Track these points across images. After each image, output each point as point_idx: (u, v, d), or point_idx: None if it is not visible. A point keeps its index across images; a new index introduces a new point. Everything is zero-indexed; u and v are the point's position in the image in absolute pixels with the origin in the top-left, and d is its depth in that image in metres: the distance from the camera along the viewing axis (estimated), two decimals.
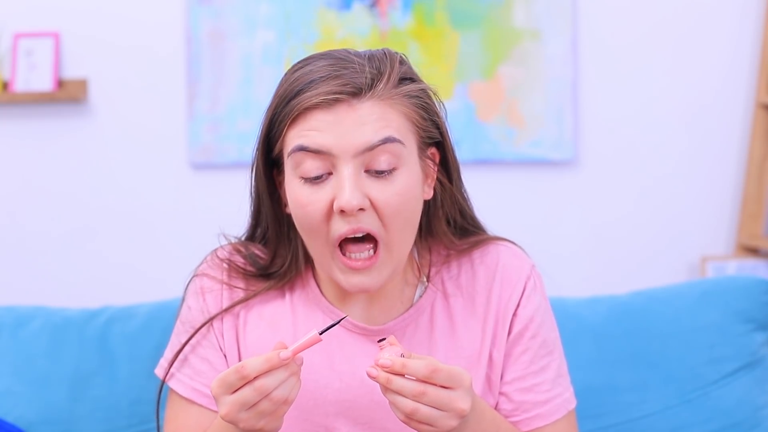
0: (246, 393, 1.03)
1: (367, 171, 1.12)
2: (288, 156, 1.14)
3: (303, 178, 1.13)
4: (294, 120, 1.12)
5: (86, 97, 2.79)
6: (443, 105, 1.22)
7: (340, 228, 1.12)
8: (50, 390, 1.65)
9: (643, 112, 2.78)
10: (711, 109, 2.78)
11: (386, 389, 1.05)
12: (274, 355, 1.03)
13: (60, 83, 2.77)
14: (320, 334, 1.06)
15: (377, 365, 1.05)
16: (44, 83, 2.75)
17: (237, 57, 2.77)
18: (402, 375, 1.04)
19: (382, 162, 1.12)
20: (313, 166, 1.12)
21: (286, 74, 1.17)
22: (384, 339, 1.08)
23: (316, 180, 1.13)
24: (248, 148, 2.71)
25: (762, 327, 1.75)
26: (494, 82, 2.76)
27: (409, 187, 1.14)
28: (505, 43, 2.75)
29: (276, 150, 1.17)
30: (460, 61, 2.75)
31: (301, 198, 1.13)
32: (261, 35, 2.77)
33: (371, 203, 1.12)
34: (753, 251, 2.74)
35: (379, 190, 1.12)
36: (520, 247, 1.32)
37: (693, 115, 2.78)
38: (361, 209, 1.11)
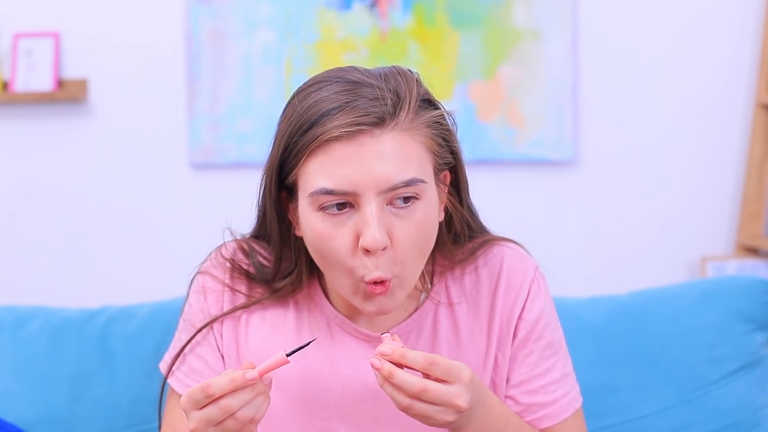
0: (212, 411, 1.03)
1: (389, 203, 1.10)
2: (309, 195, 1.10)
3: (325, 212, 1.10)
4: (313, 152, 1.09)
5: (86, 97, 2.79)
6: (456, 124, 1.19)
7: (367, 272, 1.10)
8: (50, 390, 1.65)
9: (643, 112, 2.78)
10: (711, 109, 2.78)
11: (385, 381, 1.05)
12: (240, 376, 1.03)
13: (60, 83, 2.77)
14: (288, 355, 1.05)
15: (378, 354, 1.05)
16: (44, 83, 2.75)
17: (237, 57, 2.78)
18: (400, 365, 1.04)
19: (404, 198, 1.10)
20: (336, 202, 1.10)
21: (296, 98, 1.13)
22: (386, 333, 1.08)
23: (338, 212, 1.10)
24: (248, 148, 2.75)
25: (762, 327, 1.75)
26: (494, 82, 2.76)
27: (428, 217, 1.12)
28: (505, 43, 2.75)
29: (290, 178, 1.14)
30: (460, 61, 2.76)
31: (323, 232, 1.11)
32: (261, 35, 2.78)
33: (391, 239, 1.10)
34: (753, 251, 2.74)
35: (401, 225, 1.10)
36: (523, 247, 1.31)
37: (693, 115, 2.78)
38: (384, 248, 1.09)
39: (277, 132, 1.15)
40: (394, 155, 1.08)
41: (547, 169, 2.79)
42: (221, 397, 1.03)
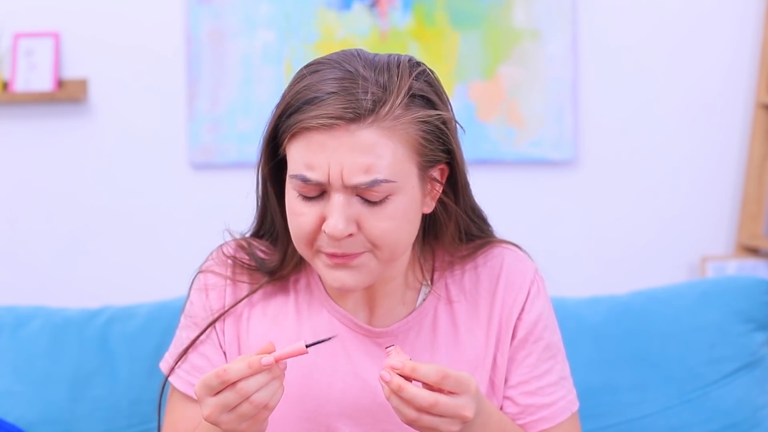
0: (227, 396, 1.04)
1: (359, 195, 1.11)
2: (289, 176, 1.14)
3: (299, 192, 1.13)
4: (294, 135, 1.12)
5: (86, 97, 2.79)
6: (460, 125, 1.19)
7: (325, 247, 1.13)
8: (50, 390, 1.65)
9: (643, 112, 2.78)
10: (711, 109, 2.78)
11: (392, 394, 1.05)
12: (256, 360, 1.04)
13: (60, 83, 2.77)
14: (307, 347, 1.06)
15: (388, 367, 1.05)
16: (44, 83, 2.75)
17: (237, 57, 2.78)
18: (410, 379, 1.05)
19: (373, 195, 1.11)
20: (308, 188, 1.12)
21: (296, 77, 1.16)
22: (392, 346, 1.09)
23: (311, 195, 1.13)
24: (248, 148, 2.75)
25: (762, 327, 1.75)
26: (494, 82, 2.76)
27: (401, 212, 1.13)
28: (505, 43, 2.75)
29: (281, 152, 1.17)
30: (460, 61, 2.76)
31: (295, 208, 1.14)
32: (261, 35, 2.78)
33: (361, 227, 1.12)
34: (753, 251, 2.74)
35: (369, 215, 1.11)
36: (523, 250, 1.32)
37: (693, 115, 2.78)
38: (350, 234, 1.11)
39: (276, 106, 1.17)
40: (365, 152, 1.09)
41: (547, 169, 2.79)
42: (237, 381, 1.04)
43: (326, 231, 1.10)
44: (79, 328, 1.71)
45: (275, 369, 1.05)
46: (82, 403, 1.65)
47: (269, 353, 1.06)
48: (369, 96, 1.09)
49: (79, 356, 1.68)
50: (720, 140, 2.79)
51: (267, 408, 1.06)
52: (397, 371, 1.04)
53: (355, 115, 1.09)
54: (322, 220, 1.12)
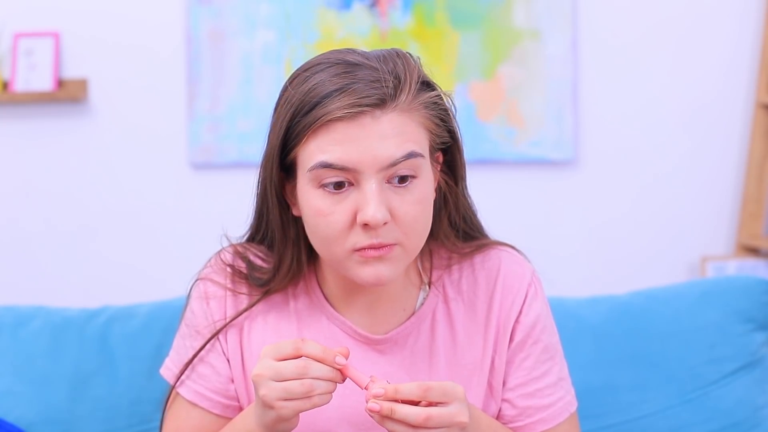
0: (287, 365, 1.06)
1: (388, 181, 1.12)
2: (309, 170, 1.12)
3: (324, 189, 1.12)
4: (315, 131, 1.11)
5: (86, 97, 2.79)
6: (454, 105, 1.21)
7: (360, 240, 1.12)
8: (50, 390, 1.65)
9: (643, 112, 2.78)
10: (711, 109, 2.78)
11: (386, 419, 1.05)
12: (332, 352, 1.07)
13: (60, 83, 2.77)
14: (365, 388, 1.08)
15: (371, 397, 1.05)
16: (44, 83, 2.75)
17: (237, 57, 2.78)
18: (396, 400, 1.05)
19: (401, 177, 1.12)
20: (335, 179, 1.12)
21: (294, 81, 1.15)
22: (368, 378, 1.09)
23: (337, 191, 1.12)
24: (248, 148, 2.75)
25: (762, 327, 1.75)
26: (494, 82, 2.76)
27: (426, 194, 1.15)
28: (505, 43, 2.75)
29: (289, 158, 1.16)
30: (460, 61, 2.76)
31: (322, 208, 1.13)
32: (261, 35, 2.78)
33: (392, 214, 1.12)
34: (753, 251, 2.74)
35: (401, 201, 1.12)
36: (521, 252, 1.32)
37: (693, 115, 2.78)
38: (385, 223, 1.11)
39: (276, 116, 1.16)
40: (393, 134, 1.11)
41: (547, 169, 2.79)
42: (302, 358, 1.06)
43: (365, 220, 1.10)
44: (79, 328, 1.71)
45: (337, 375, 1.07)
46: (82, 403, 1.65)
47: (344, 357, 1.08)
48: (390, 83, 1.11)
49: (79, 356, 1.68)
50: (720, 140, 2.79)
51: (310, 400, 1.06)
52: (381, 397, 1.05)
53: (379, 101, 1.10)
54: (354, 214, 1.11)
